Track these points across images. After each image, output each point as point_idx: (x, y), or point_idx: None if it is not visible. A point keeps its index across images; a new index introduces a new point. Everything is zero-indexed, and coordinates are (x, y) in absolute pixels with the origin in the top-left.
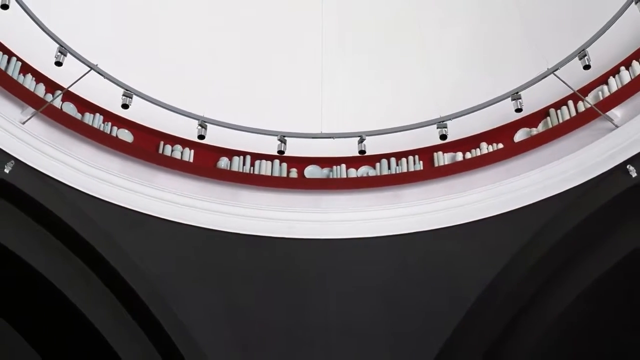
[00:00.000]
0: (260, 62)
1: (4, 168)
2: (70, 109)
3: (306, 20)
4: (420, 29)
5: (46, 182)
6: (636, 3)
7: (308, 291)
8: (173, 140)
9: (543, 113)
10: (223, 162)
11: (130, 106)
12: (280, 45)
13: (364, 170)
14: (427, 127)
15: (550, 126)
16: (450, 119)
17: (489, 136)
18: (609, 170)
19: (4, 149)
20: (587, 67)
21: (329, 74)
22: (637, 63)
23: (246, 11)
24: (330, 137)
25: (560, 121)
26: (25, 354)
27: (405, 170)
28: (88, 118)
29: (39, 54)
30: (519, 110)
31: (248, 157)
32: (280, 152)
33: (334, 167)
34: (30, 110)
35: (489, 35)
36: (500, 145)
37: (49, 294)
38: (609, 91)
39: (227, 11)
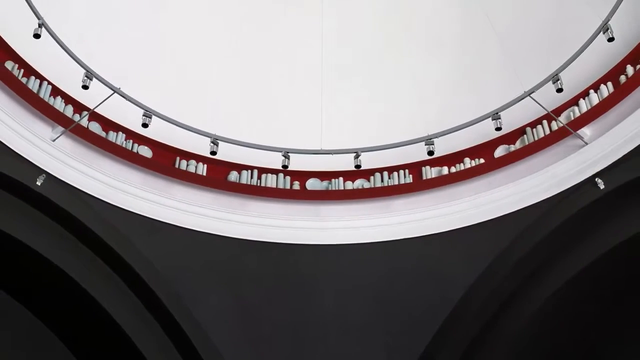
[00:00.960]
0: (267, 86)
1: (36, 181)
2: (95, 127)
3: (307, 51)
4: (409, 56)
5: (74, 193)
6: (604, 33)
7: (309, 291)
8: (188, 155)
9: (520, 131)
10: (233, 176)
11: (149, 125)
12: (285, 72)
13: (359, 183)
14: (415, 144)
15: (527, 143)
16: (436, 137)
17: (471, 152)
18: (579, 183)
19: (36, 163)
20: (559, 90)
21: (328, 97)
22: (605, 87)
23: (256, 40)
24: (329, 153)
25: (536, 139)
26: (56, 348)
27: (396, 182)
28: (112, 136)
29: (67, 78)
30: (498, 129)
31: (255, 171)
32: (284, 166)
33: (333, 180)
34: (60, 129)
35: (471, 61)
36: (482, 161)
37: (76, 293)
38: (580, 112)
39: (240, 42)
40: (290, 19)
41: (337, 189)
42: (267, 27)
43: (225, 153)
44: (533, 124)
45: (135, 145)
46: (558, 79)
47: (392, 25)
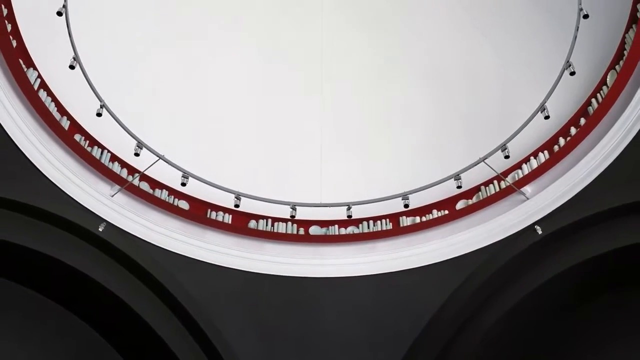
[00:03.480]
0: (279, 153)
1: (99, 228)
2: (145, 186)
3: (310, 127)
4: (389, 129)
5: (128, 237)
6: (541, 112)
7: (312, 312)
8: (217, 208)
9: (476, 189)
10: (252, 224)
11: (187, 184)
12: (293, 142)
13: (351, 229)
14: (394, 199)
15: (481, 198)
16: (411, 193)
17: (438, 205)
18: (522, 230)
19: (98, 214)
20: (507, 157)
21: (326, 162)
22: (542, 154)
23: (270, 116)
24: (327, 206)
25: (488, 195)
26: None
27: (379, 229)
28: (157, 192)
29: (123, 147)
30: (459, 187)
31: (269, 220)
32: (292, 216)
33: (330, 226)
34: (117, 187)
35: (438, 133)
36: (446, 212)
37: (129, 314)
38: (522, 174)
39: (259, 117)
40: (297, 100)
41: (333, 234)
42: (280, 104)
43: (246, 206)
44: (486, 183)
45: (176, 199)
46: (506, 148)
47: (375, 105)
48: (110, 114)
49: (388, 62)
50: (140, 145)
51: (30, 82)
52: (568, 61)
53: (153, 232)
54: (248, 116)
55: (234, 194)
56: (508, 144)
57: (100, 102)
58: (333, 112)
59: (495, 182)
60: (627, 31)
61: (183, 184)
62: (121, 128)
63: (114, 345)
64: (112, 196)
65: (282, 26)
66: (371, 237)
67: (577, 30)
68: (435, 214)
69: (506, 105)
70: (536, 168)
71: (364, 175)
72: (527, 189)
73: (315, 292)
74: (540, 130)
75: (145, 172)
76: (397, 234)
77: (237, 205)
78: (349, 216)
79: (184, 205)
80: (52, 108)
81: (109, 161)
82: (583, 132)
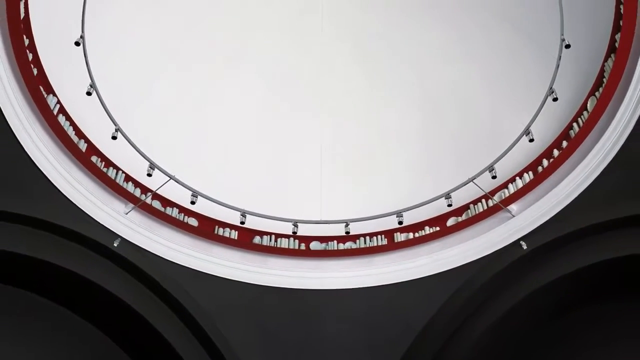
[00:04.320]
0: (283, 173)
1: (114, 243)
2: (157, 204)
3: (311, 147)
4: (384, 152)
5: (141, 252)
6: (526, 135)
7: (312, 322)
8: (224, 225)
9: (465, 207)
10: (256, 239)
11: (196, 202)
12: (295, 163)
13: (349, 245)
14: (389, 216)
15: (470, 216)
16: (404, 211)
17: (430, 222)
18: (508, 245)
19: (114, 230)
20: (494, 177)
21: (326, 182)
22: (527, 175)
23: (275, 139)
24: (326, 223)
25: (477, 212)
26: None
27: (375, 244)
28: (169, 210)
29: (136, 168)
30: (449, 205)
31: (273, 236)
32: (294, 232)
33: (329, 242)
34: (131, 205)
35: (430, 155)
36: (437, 228)
37: (141, 322)
38: (509, 193)
39: (263, 138)
40: (299, 124)
41: (333, 249)
42: (282, 128)
43: (251, 222)
44: (475, 202)
45: (186, 217)
46: (493, 169)
47: (370, 130)
48: (125, 137)
49: (383, 87)
50: (152, 166)
51: (50, 108)
52: (551, 88)
53: (164, 247)
54: (252, 139)
55: (240, 211)
56: (495, 165)
57: (116, 126)
58: (332, 135)
59: (483, 200)
60: (606, 60)
61: (192, 203)
62: (135, 150)
63: (127, 351)
64: (127, 214)
65: (283, 52)
66: (368, 252)
67: (560, 59)
68: (428, 230)
69: (493, 128)
70: (521, 187)
71: (361, 194)
72: (513, 207)
73: (316, 303)
74: (525, 152)
75: (157, 192)
76: (392, 249)
77: (242, 222)
78: (347, 232)
79: (193, 222)
80: (71, 132)
81: (124, 181)
82: (565, 154)
